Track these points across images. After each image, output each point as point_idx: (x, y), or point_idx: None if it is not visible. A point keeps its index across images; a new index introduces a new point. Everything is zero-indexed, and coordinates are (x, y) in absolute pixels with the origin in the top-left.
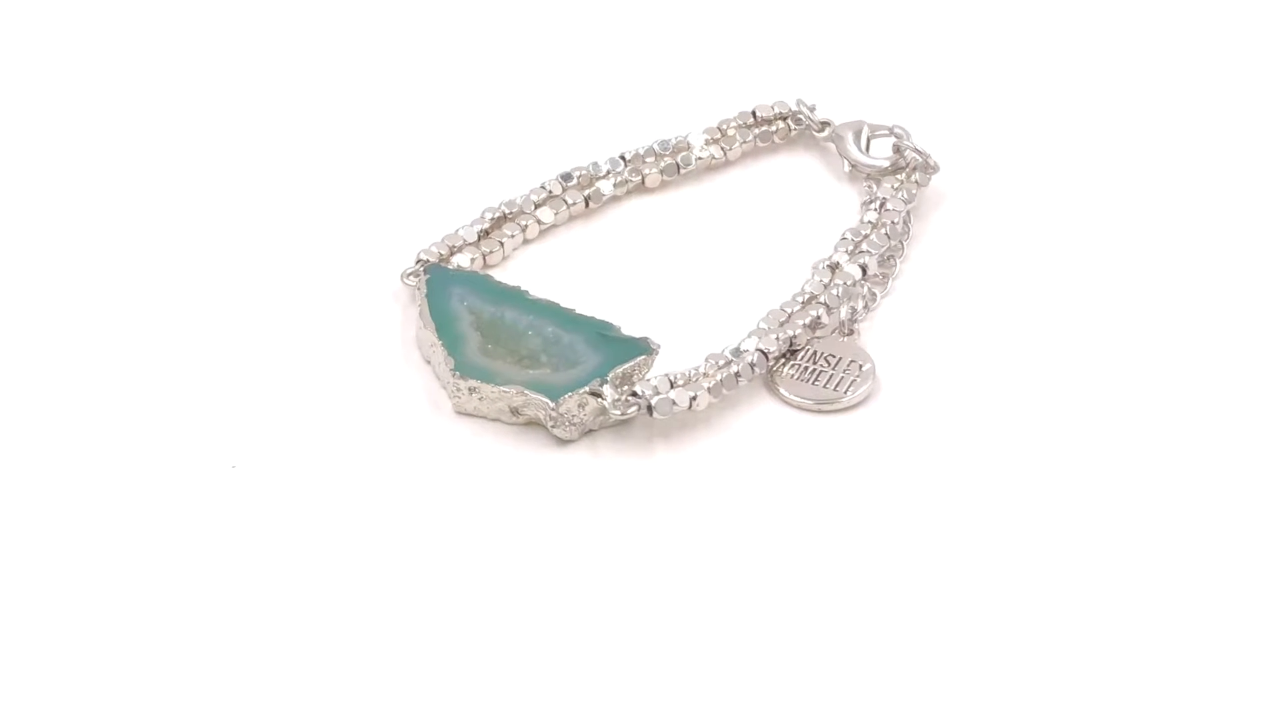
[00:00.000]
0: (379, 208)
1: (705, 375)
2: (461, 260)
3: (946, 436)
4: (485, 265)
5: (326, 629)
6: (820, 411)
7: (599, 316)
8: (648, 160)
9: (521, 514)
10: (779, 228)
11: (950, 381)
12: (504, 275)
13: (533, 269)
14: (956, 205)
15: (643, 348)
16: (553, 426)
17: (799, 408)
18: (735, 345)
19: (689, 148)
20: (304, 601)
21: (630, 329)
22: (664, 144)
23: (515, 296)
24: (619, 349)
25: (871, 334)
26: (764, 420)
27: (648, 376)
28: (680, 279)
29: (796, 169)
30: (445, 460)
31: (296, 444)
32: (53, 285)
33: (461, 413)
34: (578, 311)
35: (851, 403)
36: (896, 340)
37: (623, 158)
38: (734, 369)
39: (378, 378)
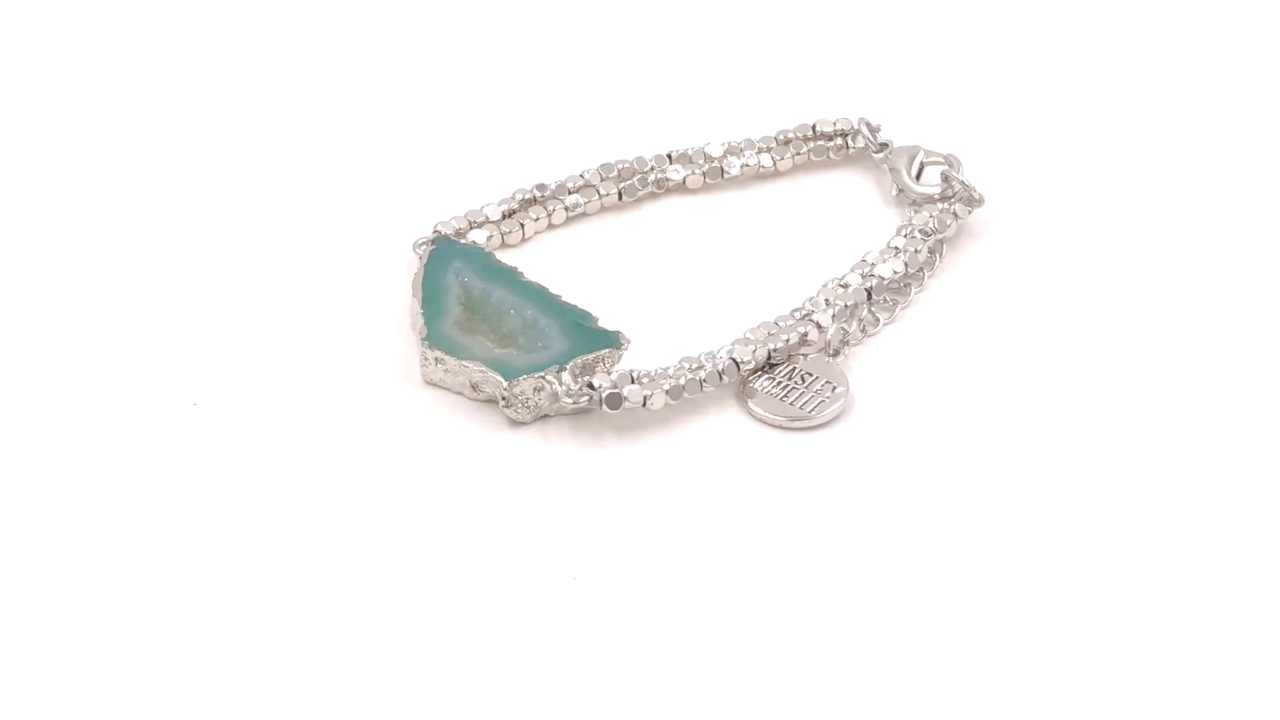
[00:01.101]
0: (423, 182)
1: (669, 376)
2: (479, 237)
3: (900, 465)
4: (503, 244)
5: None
6: (783, 428)
7: (598, 310)
8: (695, 161)
9: (458, 488)
10: (812, 243)
11: (925, 416)
12: (520, 257)
13: (549, 254)
14: (995, 241)
15: (611, 341)
16: (505, 406)
17: (762, 421)
18: (711, 351)
19: (738, 153)
20: (225, 543)
21: (626, 326)
22: (713, 146)
23: (508, 277)
24: (589, 339)
25: (864, 358)
26: (724, 429)
27: (611, 370)
28: (693, 282)
29: (846, 187)
30: (396, 425)
31: (263, 391)
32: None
33: (429, 382)
34: (563, 299)
35: (816, 423)
36: (884, 367)
37: (669, 156)
38: (701, 374)
39: (363, 340)
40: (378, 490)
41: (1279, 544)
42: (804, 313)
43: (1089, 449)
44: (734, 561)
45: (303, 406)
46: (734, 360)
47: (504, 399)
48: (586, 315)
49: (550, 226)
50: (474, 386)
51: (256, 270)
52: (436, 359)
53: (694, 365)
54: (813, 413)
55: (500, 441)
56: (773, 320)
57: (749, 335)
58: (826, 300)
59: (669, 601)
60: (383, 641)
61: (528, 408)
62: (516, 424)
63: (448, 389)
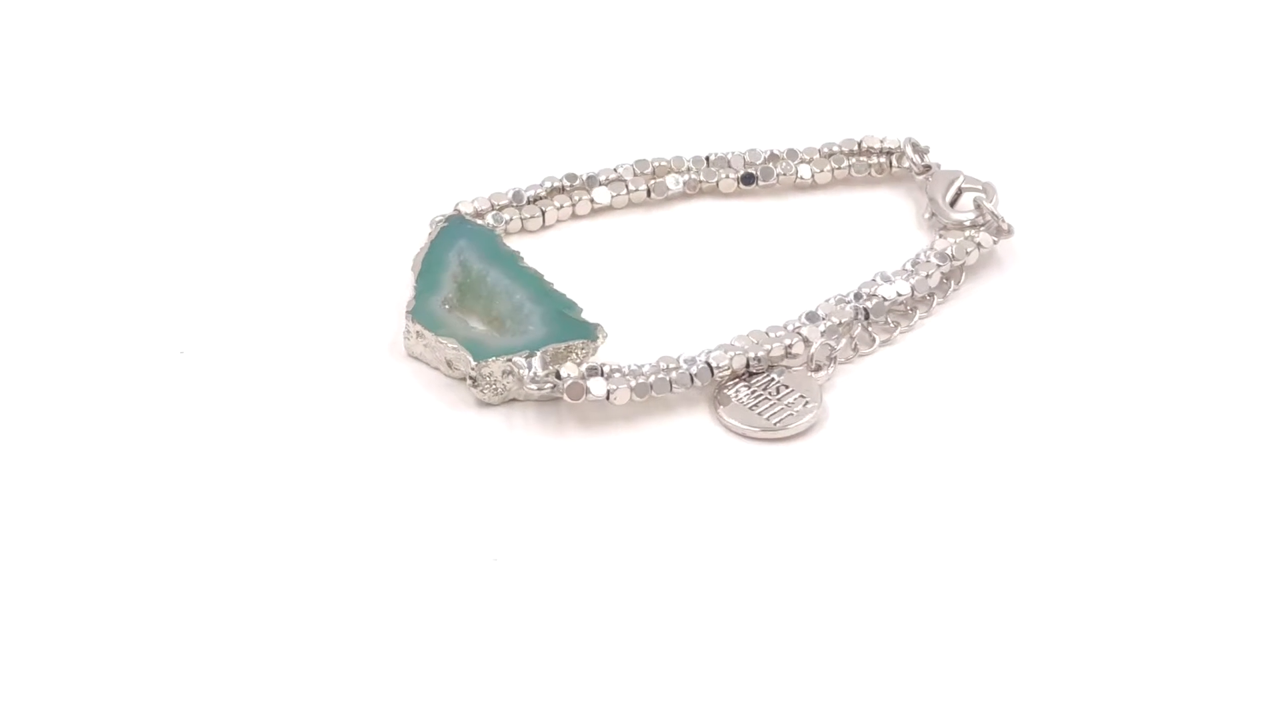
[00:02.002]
0: (469, 165)
1: (640, 374)
2: (499, 218)
3: (858, 484)
4: (523, 230)
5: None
6: (749, 438)
7: (598, 303)
8: (733, 165)
9: (411, 460)
10: (837, 258)
11: (894, 439)
12: (536, 243)
13: (566, 244)
14: (1020, 273)
15: (587, 332)
16: (472, 385)
17: (729, 429)
18: (691, 353)
19: (777, 161)
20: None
21: (623, 323)
22: (753, 153)
23: (508, 260)
24: (566, 329)
25: (853, 375)
26: (691, 432)
27: (584, 361)
28: (704, 285)
29: (885, 206)
30: (367, 393)
31: (251, 346)
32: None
33: (411, 355)
34: (555, 288)
35: (781, 436)
36: (869, 386)
37: (707, 159)
38: (672, 375)
39: (366, 309)
40: (330, 451)
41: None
42: (795, 325)
43: (1055, 494)
44: (662, 558)
45: (285, 364)
46: (709, 365)
47: (472, 379)
48: (572, 305)
49: (574, 216)
50: (449, 364)
51: (283, 239)
52: (417, 333)
53: (669, 365)
54: (778, 425)
55: (464, 420)
56: (764, 329)
57: (734, 342)
58: (820, 315)
59: (588, 588)
60: (296, 597)
61: (495, 390)
62: (484, 405)
63: (427, 364)
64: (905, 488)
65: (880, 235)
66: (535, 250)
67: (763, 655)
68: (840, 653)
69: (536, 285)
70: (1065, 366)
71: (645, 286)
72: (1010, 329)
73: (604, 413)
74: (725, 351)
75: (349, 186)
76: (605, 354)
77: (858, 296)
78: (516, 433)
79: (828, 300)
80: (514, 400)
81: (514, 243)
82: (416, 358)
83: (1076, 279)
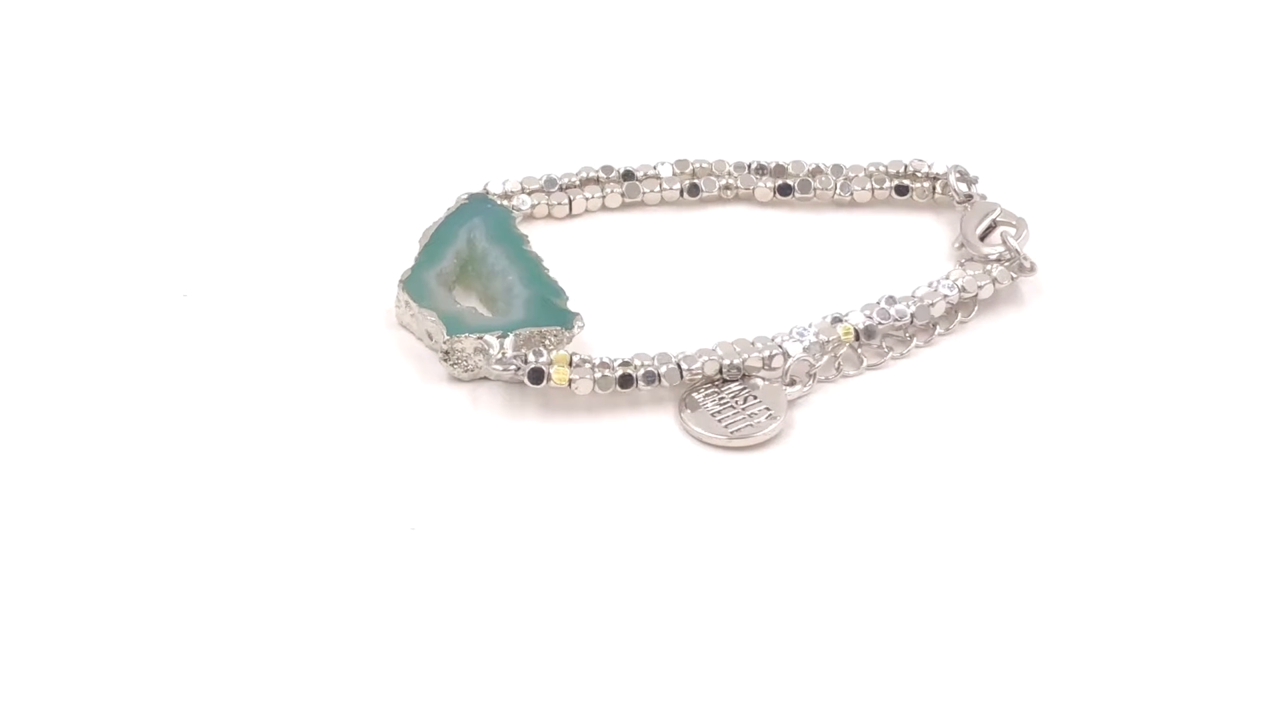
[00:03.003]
0: (512, 149)
1: (606, 366)
2: (524, 202)
3: (804, 499)
4: (550, 215)
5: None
6: (706, 444)
7: (600, 297)
8: (774, 173)
9: (369, 426)
10: (860, 278)
11: (852, 462)
12: (564, 232)
13: (588, 234)
14: (1036, 311)
15: (564, 320)
16: (443, 358)
17: (687, 432)
18: (667, 353)
19: (816, 174)
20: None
21: (621, 319)
22: (797, 164)
23: (514, 243)
24: (545, 314)
25: (831, 395)
26: (651, 430)
27: (555, 347)
28: (717, 291)
29: (922, 231)
30: (346, 356)
31: (253, 296)
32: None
33: (401, 324)
34: (550, 274)
35: (736, 445)
36: (842, 408)
37: (749, 165)
38: (639, 372)
39: (363, 280)
40: (290, 404)
41: None
42: (780, 337)
43: (998, 533)
44: (587, 550)
45: (277, 320)
46: (679, 366)
47: (445, 352)
48: (559, 293)
49: (604, 208)
50: (430, 335)
51: (312, 202)
52: (405, 302)
53: (642, 362)
54: (736, 435)
55: (428, 391)
56: (750, 339)
57: (715, 347)
58: (804, 330)
59: (506, 566)
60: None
61: (465, 366)
62: (456, 381)
63: (412, 334)
64: (854, 507)
65: (911, 260)
66: (555, 237)
67: (684, 647)
68: (756, 646)
69: (532, 269)
70: (1053, 411)
71: (656, 284)
72: (1008, 367)
73: (570, 402)
74: (700, 355)
75: (403, 170)
76: (597, 347)
77: (866, 318)
78: (480, 411)
79: (824, 317)
80: (486, 379)
81: (538, 228)
82: (404, 327)
83: (1097, 322)
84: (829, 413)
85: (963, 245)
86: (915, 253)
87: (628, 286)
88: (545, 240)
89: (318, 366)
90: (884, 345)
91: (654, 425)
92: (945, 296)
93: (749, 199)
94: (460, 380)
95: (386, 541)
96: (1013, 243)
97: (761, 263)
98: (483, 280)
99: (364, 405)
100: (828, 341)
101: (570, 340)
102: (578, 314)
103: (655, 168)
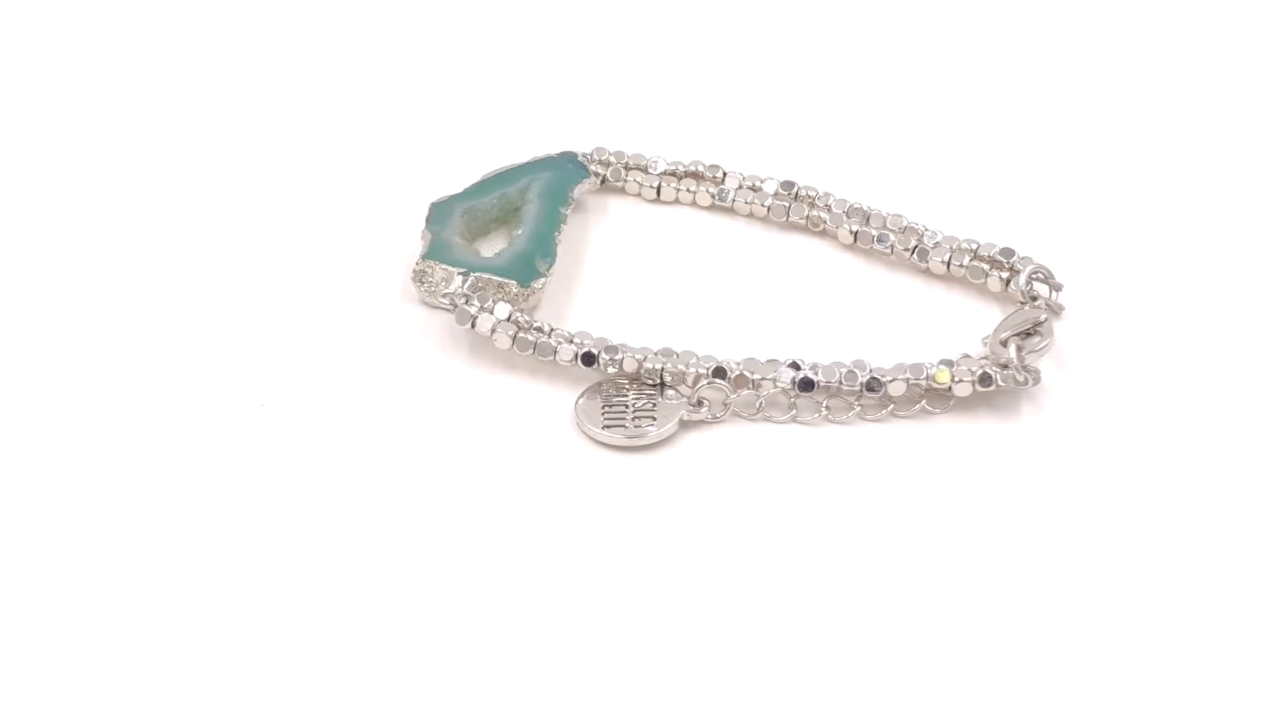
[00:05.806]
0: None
1: (538, 331)
2: (618, 174)
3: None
4: (639, 195)
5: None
6: (579, 430)
7: (625, 291)
8: (851, 218)
9: (321, 347)
10: (888, 339)
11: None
12: (641, 214)
13: (660, 223)
14: (1030, 424)
15: (522, 276)
16: (413, 279)
17: (573, 420)
18: (608, 341)
19: (907, 233)
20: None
21: (633, 312)
22: (896, 218)
23: (555, 200)
24: (517, 268)
25: (739, 433)
26: (546, 403)
27: (506, 299)
28: (744, 311)
29: (982, 315)
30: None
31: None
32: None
33: (416, 271)
34: (558, 238)
35: (603, 441)
36: (733, 447)
37: (849, 207)
38: (558, 345)
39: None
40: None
41: None
42: (730, 364)
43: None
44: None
45: (282, 298)
46: (591, 352)
47: (417, 273)
48: (548, 255)
49: (695, 205)
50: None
51: (407, 172)
52: (426, 223)
53: (572, 339)
54: (604, 429)
55: (389, 317)
56: (699, 352)
57: (657, 350)
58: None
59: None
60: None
61: (432, 292)
62: (427, 306)
63: (414, 273)
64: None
65: (951, 339)
66: (629, 216)
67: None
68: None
69: (545, 228)
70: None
71: (688, 285)
72: (941, 470)
73: (498, 357)
74: (623, 351)
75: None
76: (592, 328)
77: (814, 369)
78: (403, 352)
79: (786, 360)
80: (438, 309)
81: (620, 202)
82: (418, 273)
83: (1100, 435)
84: (718, 447)
85: (990, 338)
86: (963, 334)
87: (662, 279)
88: (619, 216)
89: (308, 344)
90: (825, 404)
91: (552, 399)
92: (907, 378)
93: (832, 236)
94: (425, 303)
95: (237, 421)
96: (1018, 355)
97: (802, 295)
98: (510, 226)
99: (318, 329)
100: (761, 380)
101: (527, 298)
102: (542, 278)
103: (762, 182)
